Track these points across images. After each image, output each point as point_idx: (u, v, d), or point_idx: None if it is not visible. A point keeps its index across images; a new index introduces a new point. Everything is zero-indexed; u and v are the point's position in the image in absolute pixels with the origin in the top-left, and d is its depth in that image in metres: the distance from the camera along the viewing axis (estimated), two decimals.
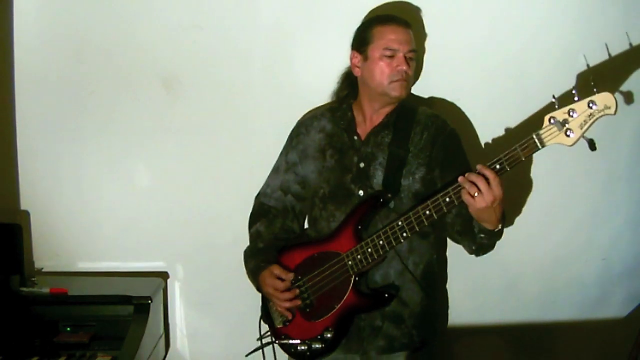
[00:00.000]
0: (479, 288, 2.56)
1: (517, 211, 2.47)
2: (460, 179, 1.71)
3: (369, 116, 2.06)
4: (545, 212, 2.51)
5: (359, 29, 2.07)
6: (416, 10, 2.33)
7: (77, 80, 2.45)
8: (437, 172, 1.99)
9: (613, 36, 2.17)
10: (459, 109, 2.39)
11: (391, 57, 1.95)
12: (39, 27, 2.40)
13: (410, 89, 2.04)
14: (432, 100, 2.35)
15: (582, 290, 2.61)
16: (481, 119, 2.39)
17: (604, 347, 2.62)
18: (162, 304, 2.43)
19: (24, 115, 2.47)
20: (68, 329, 2.18)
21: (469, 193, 1.69)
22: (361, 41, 2.03)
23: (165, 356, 2.52)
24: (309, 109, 2.30)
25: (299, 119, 2.24)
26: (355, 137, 2.05)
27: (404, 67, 1.94)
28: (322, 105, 2.24)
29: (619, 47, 2.17)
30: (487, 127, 2.36)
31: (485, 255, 2.43)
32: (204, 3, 2.40)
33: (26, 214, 2.51)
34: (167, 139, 2.50)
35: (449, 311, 2.51)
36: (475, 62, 2.37)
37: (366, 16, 2.21)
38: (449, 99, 2.39)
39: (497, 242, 2.44)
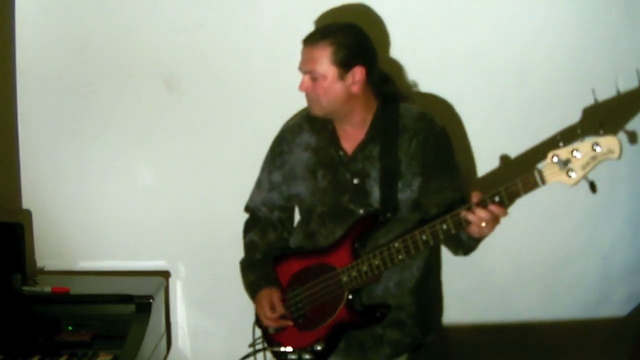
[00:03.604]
0: (479, 287, 2.56)
1: (518, 211, 2.47)
2: (464, 214, 1.69)
3: (352, 128, 1.98)
4: (546, 211, 2.51)
5: None
6: (419, 14, 2.33)
7: (78, 79, 2.46)
8: (426, 175, 1.95)
9: (616, 38, 2.16)
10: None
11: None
12: (41, 27, 2.41)
13: (325, 108, 1.91)
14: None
15: (582, 289, 2.61)
16: (482, 120, 2.39)
17: (605, 346, 2.62)
18: (163, 303, 2.43)
19: (25, 115, 2.47)
20: (70, 328, 2.18)
21: (477, 224, 1.68)
22: None
23: (166, 355, 2.53)
24: None
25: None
26: (342, 153, 1.98)
27: (301, 88, 1.91)
28: (298, 114, 2.15)
29: (627, 72, 2.14)
30: (488, 128, 2.36)
31: (486, 255, 2.44)
32: (205, 2, 2.40)
33: (28, 213, 2.52)
34: (168, 138, 2.51)
35: (446, 311, 2.52)
36: (476, 63, 2.37)
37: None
38: (449, 100, 2.39)
39: (499, 242, 2.46)
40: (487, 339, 2.63)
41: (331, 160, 1.99)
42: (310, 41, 1.90)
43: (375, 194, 1.94)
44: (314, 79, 1.88)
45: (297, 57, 2.40)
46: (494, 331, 2.61)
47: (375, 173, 1.94)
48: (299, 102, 2.29)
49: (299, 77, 2.39)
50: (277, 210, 2.15)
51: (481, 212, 1.67)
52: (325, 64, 1.86)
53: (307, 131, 2.05)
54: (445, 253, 2.42)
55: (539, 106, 2.16)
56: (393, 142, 1.94)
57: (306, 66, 1.89)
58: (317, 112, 1.94)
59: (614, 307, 2.64)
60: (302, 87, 1.91)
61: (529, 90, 2.36)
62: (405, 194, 1.93)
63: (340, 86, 1.87)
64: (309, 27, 2.38)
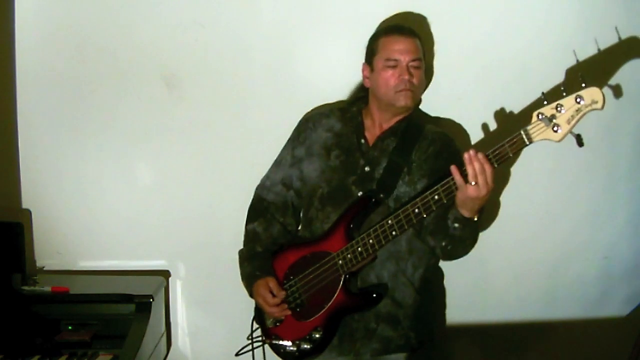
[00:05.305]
0: (480, 287, 2.56)
1: (518, 210, 2.47)
2: (453, 170, 1.70)
3: (378, 123, 2.07)
4: (546, 211, 2.51)
5: (368, 40, 2.10)
6: (417, 10, 2.33)
7: (78, 78, 2.45)
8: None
9: (613, 33, 2.17)
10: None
11: (394, 67, 1.96)
12: (41, 25, 2.40)
13: (417, 98, 2.06)
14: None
15: (583, 289, 2.61)
16: (481, 118, 2.39)
17: (605, 346, 2.63)
18: (163, 303, 2.42)
19: (25, 114, 2.47)
20: (69, 327, 2.17)
21: (469, 179, 1.68)
22: (369, 53, 2.06)
23: (166, 355, 2.53)
24: (310, 107, 2.31)
25: (303, 114, 2.25)
26: (363, 141, 2.06)
27: (406, 77, 1.95)
28: (332, 103, 2.27)
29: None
30: (487, 126, 2.36)
31: (486, 255, 2.43)
32: (205, 1, 2.40)
33: (28, 212, 2.51)
34: (168, 137, 2.50)
35: (447, 311, 2.53)
36: (476, 60, 2.37)
37: (377, 28, 2.22)
38: (448, 97, 2.39)
39: (498, 241, 2.45)
40: (487, 339, 2.63)
41: (350, 145, 2.07)
42: (407, 33, 1.99)
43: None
44: (416, 67, 1.97)
45: (297, 56, 2.42)
46: (494, 331, 2.61)
47: (384, 163, 2.00)
48: (299, 101, 2.31)
49: (298, 75, 2.42)
50: (293, 191, 2.18)
51: (475, 163, 1.67)
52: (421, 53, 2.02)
53: (336, 117, 2.13)
54: None
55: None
56: (410, 143, 2.01)
57: (415, 54, 1.98)
58: (412, 102, 2.00)
59: (614, 307, 2.64)
60: (415, 79, 1.97)
61: (529, 89, 2.35)
62: (409, 189, 1.97)
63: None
64: (309, 27, 2.40)
